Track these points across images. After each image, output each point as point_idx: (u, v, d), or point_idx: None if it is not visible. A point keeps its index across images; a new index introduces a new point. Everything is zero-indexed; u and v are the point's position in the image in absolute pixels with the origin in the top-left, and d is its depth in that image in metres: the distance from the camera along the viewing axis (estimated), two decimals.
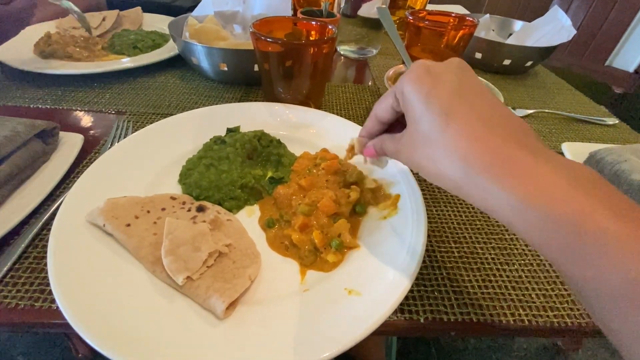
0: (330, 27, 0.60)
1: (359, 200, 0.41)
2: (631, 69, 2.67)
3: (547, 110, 0.75)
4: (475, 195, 0.23)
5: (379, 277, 0.33)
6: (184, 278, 0.32)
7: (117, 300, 0.30)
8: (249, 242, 0.38)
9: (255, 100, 0.69)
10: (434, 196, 0.50)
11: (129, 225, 0.36)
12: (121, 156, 0.45)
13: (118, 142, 0.50)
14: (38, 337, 1.14)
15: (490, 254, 0.42)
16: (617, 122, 0.73)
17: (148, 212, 0.38)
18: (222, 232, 0.38)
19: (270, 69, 0.59)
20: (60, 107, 0.62)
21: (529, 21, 1.00)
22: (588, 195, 0.20)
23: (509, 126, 0.24)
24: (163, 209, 0.40)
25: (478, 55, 0.88)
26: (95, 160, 0.43)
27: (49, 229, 0.37)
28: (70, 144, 0.50)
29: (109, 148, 0.48)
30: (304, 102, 0.63)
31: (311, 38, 0.64)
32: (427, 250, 0.41)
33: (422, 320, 0.35)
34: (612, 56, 2.77)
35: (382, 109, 0.31)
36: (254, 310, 0.31)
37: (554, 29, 0.86)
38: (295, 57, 0.57)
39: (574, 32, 0.84)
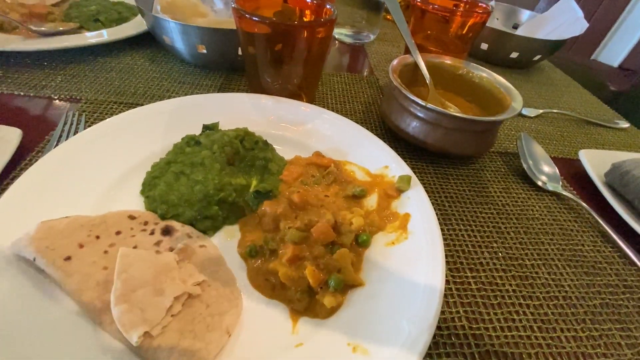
0: (328, 6, 0.51)
1: (362, 227, 0.34)
2: (616, 64, 2.69)
3: (555, 111, 0.69)
4: None
5: (390, 328, 0.27)
6: (140, 336, 0.24)
7: None
8: (228, 276, 0.31)
9: (239, 89, 0.60)
10: (444, 211, 0.44)
11: (68, 258, 0.28)
12: (67, 159, 0.36)
13: (66, 139, 0.41)
14: None
15: (510, 284, 0.37)
16: (628, 125, 0.69)
17: (97, 237, 0.30)
18: (193, 264, 0.30)
19: (256, 53, 0.50)
20: None
21: (531, 8, 0.94)
22: None
23: None
24: (118, 233, 0.31)
25: (484, 46, 0.81)
26: (34, 163, 0.34)
27: None
28: (4, 141, 0.40)
29: (54, 147, 0.38)
30: (295, 93, 0.54)
31: (305, 19, 0.55)
32: None
33: None
34: (598, 50, 2.78)
35: None
36: None
37: (568, 21, 0.80)
38: (286, 40, 0.48)
39: (587, 24, 0.78)
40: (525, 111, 0.67)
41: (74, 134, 0.42)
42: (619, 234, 0.43)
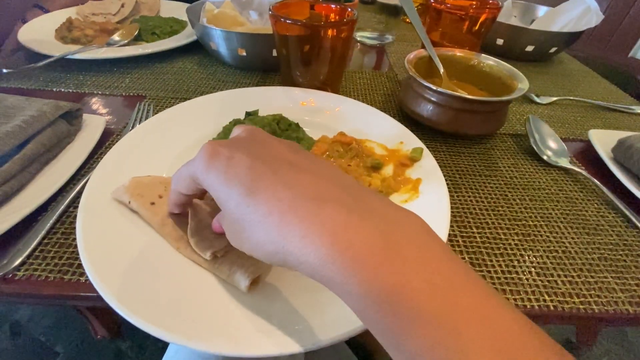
0: (349, 9, 0.59)
1: (379, 188, 0.41)
2: None
3: (571, 98, 0.72)
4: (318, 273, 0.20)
5: None
6: (211, 254, 0.32)
7: (144, 272, 0.31)
8: None
9: (272, 86, 0.68)
10: (455, 182, 0.49)
11: (153, 203, 0.36)
12: (144, 137, 0.45)
13: (140, 124, 0.50)
14: (59, 317, 1.18)
15: (513, 239, 0.41)
16: None
17: None
18: None
19: (288, 53, 0.59)
20: (82, 91, 0.63)
21: (552, 6, 0.97)
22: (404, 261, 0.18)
23: (324, 181, 0.22)
24: None
25: (499, 42, 0.86)
26: (117, 141, 0.44)
27: (76, 207, 0.39)
28: (93, 126, 0.50)
29: (131, 129, 0.48)
30: (322, 87, 0.62)
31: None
32: (448, 234, 0.40)
33: None
34: (637, 47, 2.66)
35: (184, 187, 0.29)
36: (280, 280, 0.32)
37: (581, 13, 0.82)
38: (314, 40, 0.56)
39: (602, 16, 0.81)
40: (538, 99, 0.71)
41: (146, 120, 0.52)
42: (624, 203, 0.46)
